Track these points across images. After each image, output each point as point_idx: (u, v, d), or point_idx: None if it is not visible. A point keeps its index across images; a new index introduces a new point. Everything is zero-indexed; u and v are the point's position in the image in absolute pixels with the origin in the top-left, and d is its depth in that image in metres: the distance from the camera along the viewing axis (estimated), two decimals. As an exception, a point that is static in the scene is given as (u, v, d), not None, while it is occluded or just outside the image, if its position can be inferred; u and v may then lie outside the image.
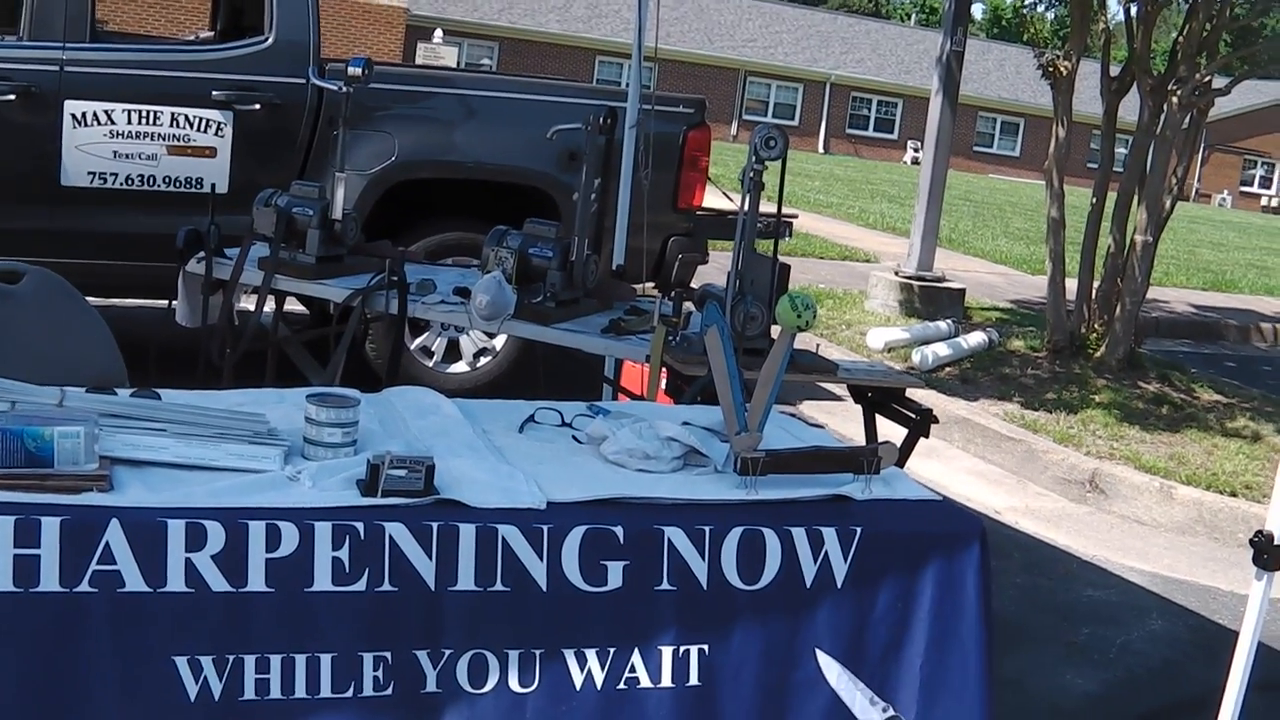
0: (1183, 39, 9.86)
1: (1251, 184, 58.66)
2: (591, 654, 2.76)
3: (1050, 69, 10.42)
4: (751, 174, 4.36)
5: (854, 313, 11.85)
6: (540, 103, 7.74)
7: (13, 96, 6.62)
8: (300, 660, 2.57)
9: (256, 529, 2.53)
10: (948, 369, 9.80)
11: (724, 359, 3.10)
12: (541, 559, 2.69)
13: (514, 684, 2.69)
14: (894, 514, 3.07)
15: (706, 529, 2.82)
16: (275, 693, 2.55)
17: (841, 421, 7.89)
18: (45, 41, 6.70)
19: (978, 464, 8.17)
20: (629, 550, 2.75)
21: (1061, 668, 5.24)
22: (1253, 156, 57.91)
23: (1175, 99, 9.69)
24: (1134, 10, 10.31)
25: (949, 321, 11.03)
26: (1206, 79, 9.86)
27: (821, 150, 50.96)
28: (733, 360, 3.11)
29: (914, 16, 78.73)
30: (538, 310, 4.97)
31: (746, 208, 4.40)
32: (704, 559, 2.81)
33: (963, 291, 12.41)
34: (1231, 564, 6.75)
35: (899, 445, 3.85)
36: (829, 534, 2.90)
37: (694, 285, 6.63)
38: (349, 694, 2.60)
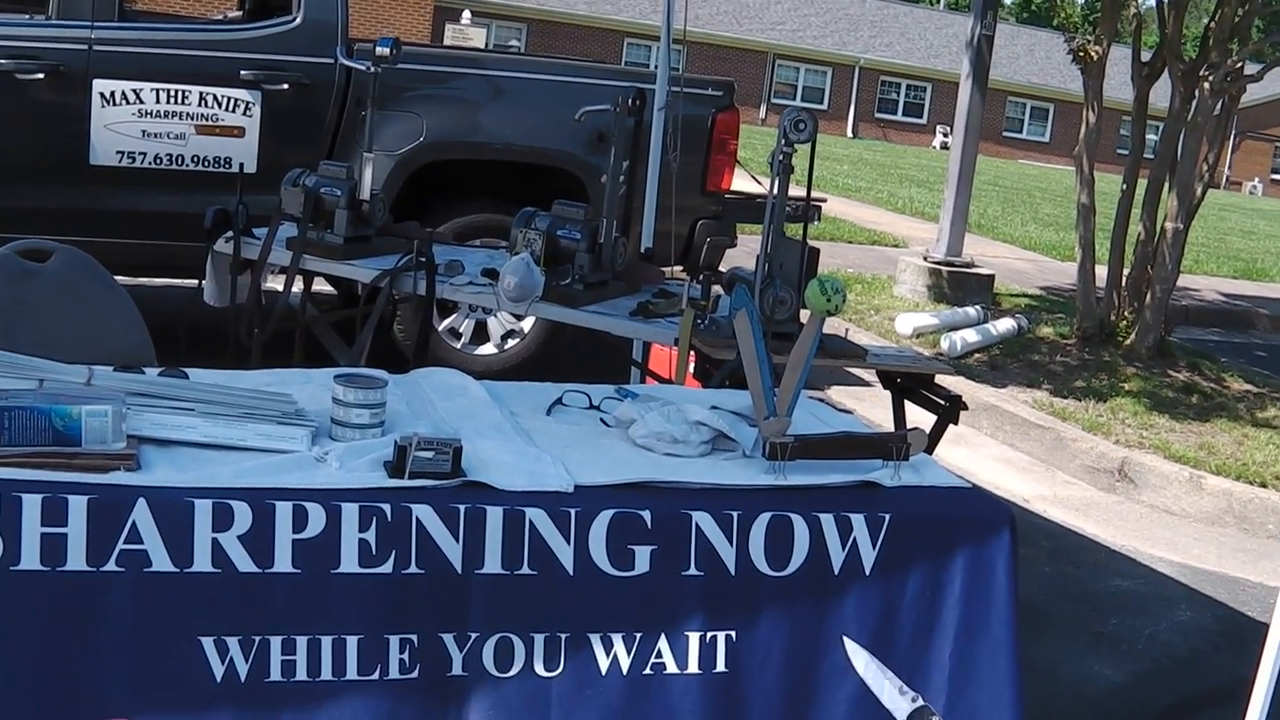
0: (1214, 24, 9.79)
1: (1283, 171, 58.36)
2: (618, 639, 2.74)
3: (1081, 54, 10.36)
4: (780, 157, 4.33)
5: (883, 298, 11.82)
6: (568, 84, 7.72)
7: (41, 75, 6.63)
8: (326, 642, 2.57)
9: (283, 510, 2.52)
10: (976, 355, 9.76)
11: (753, 343, 3.09)
12: (569, 542, 2.68)
13: (539, 668, 2.69)
14: (923, 501, 3.05)
15: (734, 514, 2.80)
16: (301, 674, 2.55)
17: (870, 407, 7.86)
18: (74, 20, 6.70)
19: (1006, 451, 8.14)
20: (656, 535, 2.74)
21: (1089, 657, 5.21)
22: (1284, 144, 57.61)
23: (1207, 85, 9.62)
24: (1166, -5, 10.24)
25: (978, 307, 10.99)
26: (1238, 65, 9.79)
27: (850, 134, 50.83)
28: (761, 344, 3.10)
29: (943, 0, 78.50)
30: (566, 292, 4.95)
31: (775, 191, 4.37)
32: (732, 544, 2.80)
33: (992, 277, 12.36)
34: (1261, 555, 6.71)
35: (928, 432, 3.83)
36: (857, 520, 2.89)
37: (722, 269, 6.61)
38: (374, 676, 2.59)
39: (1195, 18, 16.55)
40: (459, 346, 7.63)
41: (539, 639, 2.69)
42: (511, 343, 7.74)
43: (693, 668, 2.79)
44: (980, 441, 8.23)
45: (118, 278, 4.21)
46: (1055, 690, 4.86)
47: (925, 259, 12.32)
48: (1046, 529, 6.72)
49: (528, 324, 7.64)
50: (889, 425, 5.08)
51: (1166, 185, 10.03)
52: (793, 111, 4.32)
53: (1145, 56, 10.31)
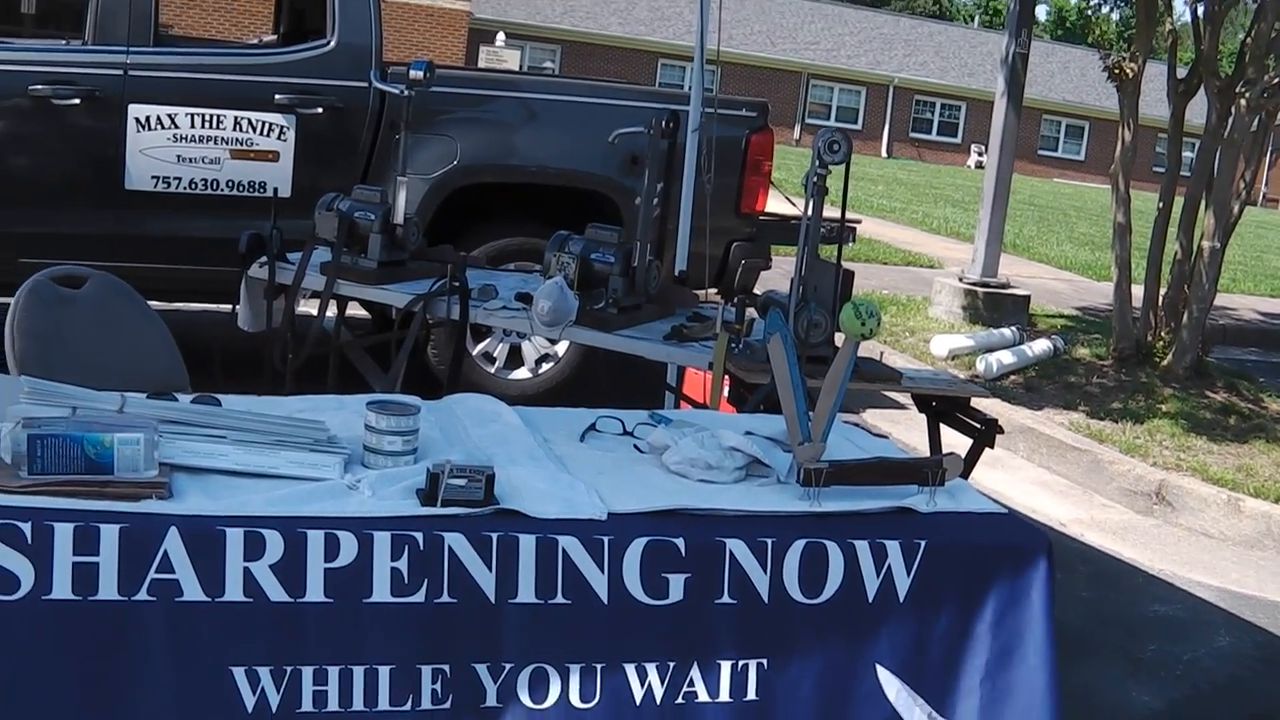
0: (1251, 40, 9.72)
1: (1320, 189, 58.00)
2: (651, 668, 2.73)
3: (1116, 71, 10.32)
4: (815, 179, 4.32)
5: (918, 319, 11.78)
6: (602, 106, 7.71)
7: (77, 100, 6.66)
8: (358, 672, 2.56)
9: (315, 538, 2.51)
10: (1012, 377, 9.71)
11: (787, 367, 3.07)
12: (602, 571, 2.67)
13: (575, 699, 2.67)
14: (959, 527, 3.03)
15: (769, 541, 2.78)
16: (333, 705, 2.54)
17: (906, 430, 7.83)
18: (109, 46, 6.73)
19: (1043, 474, 8.09)
20: (690, 562, 2.73)
21: (1127, 684, 5.17)
22: (1321, 161, 57.22)
23: (1243, 101, 9.56)
24: (1201, 10, 10.19)
25: (1014, 328, 10.94)
26: (1275, 80, 9.72)
27: (885, 154, 50.76)
28: (796, 369, 3.08)
29: (977, 18, 78.37)
30: (599, 316, 4.94)
31: (810, 213, 4.36)
32: (766, 572, 2.78)
33: (1027, 298, 12.31)
34: (1301, 578, 6.66)
35: (964, 456, 3.80)
36: (892, 547, 2.87)
37: (757, 291, 6.59)
38: (407, 707, 2.58)
39: (1231, 33, 16.46)
40: (493, 371, 7.62)
41: (574, 669, 2.67)
42: (546, 367, 7.73)
43: (724, 696, 2.78)
44: (1017, 464, 8.19)
45: (152, 302, 4.22)
46: (1093, 717, 4.82)
47: (960, 280, 12.27)
48: (1084, 553, 6.67)
49: (562, 348, 7.62)
50: (925, 448, 5.06)
51: (1203, 203, 9.97)
52: (827, 133, 4.30)
53: (1181, 73, 10.27)
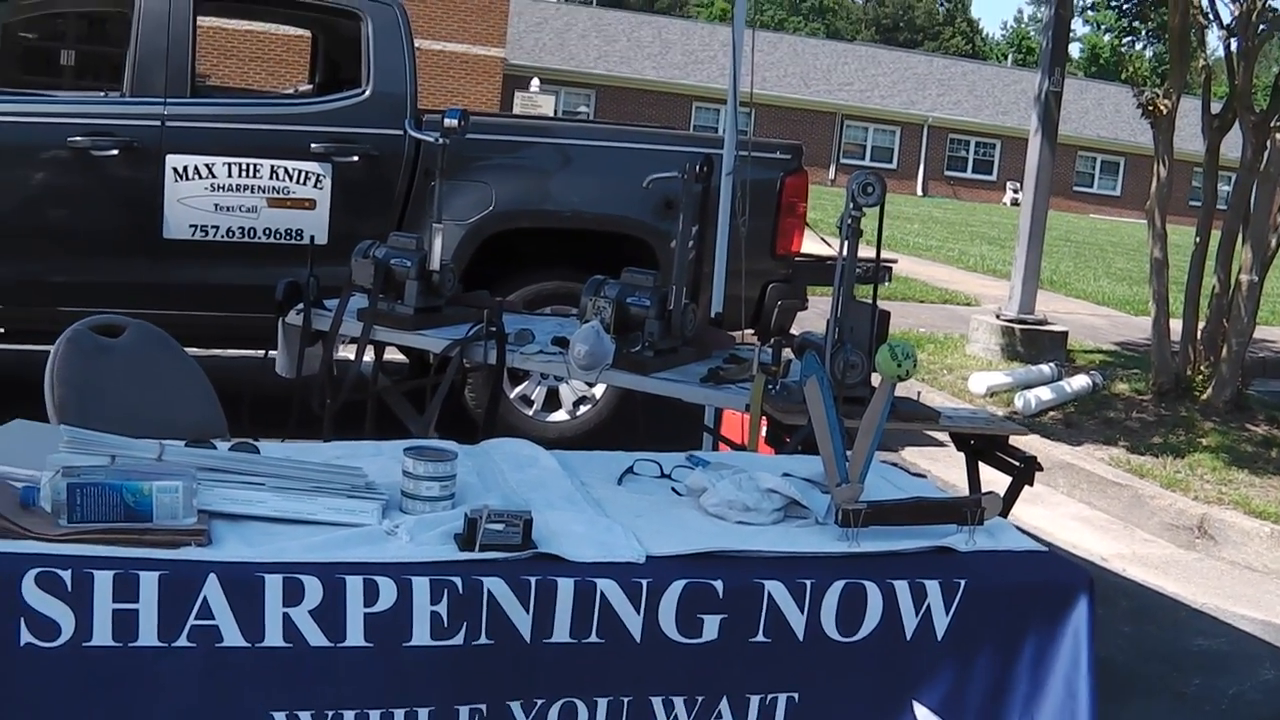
0: (1286, 75, 9.71)
1: (1359, 221, 57.64)
2: (679, 702, 2.74)
3: (1150, 107, 10.29)
4: (849, 221, 4.32)
5: (955, 357, 11.75)
6: (637, 151, 7.74)
7: (116, 151, 6.72)
8: (399, 715, 2.57)
9: (354, 584, 2.52)
10: (1051, 413, 9.67)
11: (824, 409, 3.07)
12: (639, 613, 2.67)
13: (602, 732, 2.68)
14: (999, 566, 3.02)
15: (807, 583, 2.78)
16: (373, 748, 2.55)
17: (945, 468, 7.80)
18: (147, 97, 6.79)
19: (1083, 510, 8.05)
20: (728, 604, 2.73)
21: (1171, 719, 5.12)
22: (1360, 193, 56.90)
23: (1278, 135, 9.53)
24: (1234, 45, 10.16)
25: (1052, 365, 10.90)
26: (1311, 115, 9.70)
27: (920, 192, 50.74)
28: (833, 410, 3.08)
29: (1010, 57, 78.42)
30: (636, 359, 4.95)
31: (845, 254, 4.36)
32: (803, 612, 2.78)
33: (1065, 334, 12.26)
34: (1346, 612, 6.60)
35: (1003, 494, 3.79)
36: (932, 587, 2.86)
37: (793, 332, 6.58)
38: (445, 747, 2.59)
39: (1265, 67, 16.42)
40: (531, 414, 7.62)
41: (602, 703, 2.68)
42: (584, 409, 7.74)
43: None
44: (1057, 500, 8.15)
45: (189, 349, 4.24)
46: (1139, 754, 4.78)
47: (998, 317, 12.24)
48: (1126, 588, 6.62)
49: (599, 390, 7.63)
50: (964, 486, 5.04)
51: (1240, 237, 9.93)
52: (861, 175, 4.30)
53: (1215, 108, 10.24)
